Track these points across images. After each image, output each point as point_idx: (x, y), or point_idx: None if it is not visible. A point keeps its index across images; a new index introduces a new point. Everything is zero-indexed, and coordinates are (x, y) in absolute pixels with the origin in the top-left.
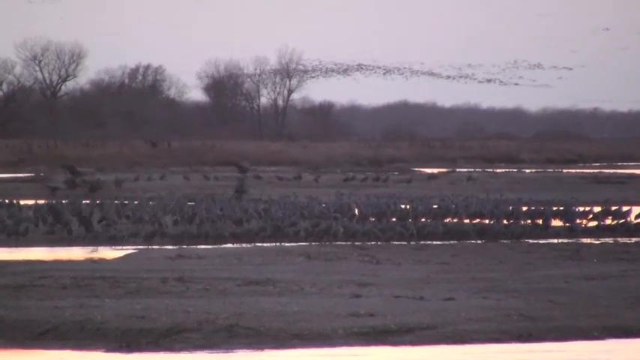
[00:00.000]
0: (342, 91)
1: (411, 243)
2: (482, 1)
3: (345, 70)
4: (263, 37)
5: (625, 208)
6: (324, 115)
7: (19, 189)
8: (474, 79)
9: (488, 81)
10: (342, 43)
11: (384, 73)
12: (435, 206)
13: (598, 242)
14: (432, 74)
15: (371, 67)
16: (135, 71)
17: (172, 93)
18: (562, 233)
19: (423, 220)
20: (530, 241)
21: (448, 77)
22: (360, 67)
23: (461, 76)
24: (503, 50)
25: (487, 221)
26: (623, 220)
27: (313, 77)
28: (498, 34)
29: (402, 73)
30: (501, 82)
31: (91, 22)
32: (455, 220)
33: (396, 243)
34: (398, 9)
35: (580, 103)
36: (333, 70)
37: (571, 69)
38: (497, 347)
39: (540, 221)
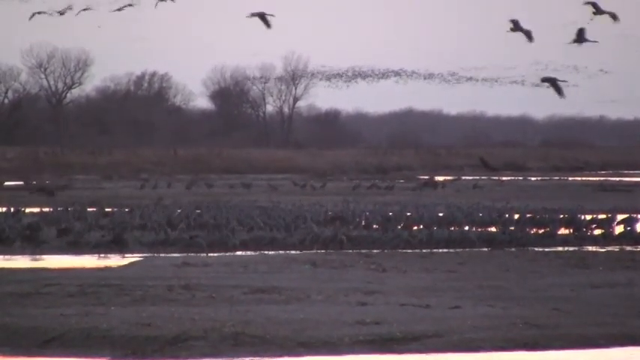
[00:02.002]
0: (349, 99)
1: (417, 251)
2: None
3: (351, 77)
4: (269, 44)
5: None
6: (330, 122)
7: (25, 197)
8: (498, 81)
9: (516, 83)
10: (348, 49)
11: (397, 79)
12: (441, 214)
13: (604, 250)
14: (453, 77)
15: (378, 73)
16: (141, 78)
17: (178, 100)
18: (568, 241)
19: (429, 228)
20: (536, 249)
21: (471, 80)
22: (366, 74)
23: (486, 79)
24: (528, 53)
25: (493, 229)
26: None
27: (320, 81)
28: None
29: (418, 78)
30: (533, 84)
31: (97, 30)
32: (461, 228)
33: (402, 251)
34: (409, 14)
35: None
36: (338, 77)
37: (607, 72)
38: (504, 355)
39: (547, 229)
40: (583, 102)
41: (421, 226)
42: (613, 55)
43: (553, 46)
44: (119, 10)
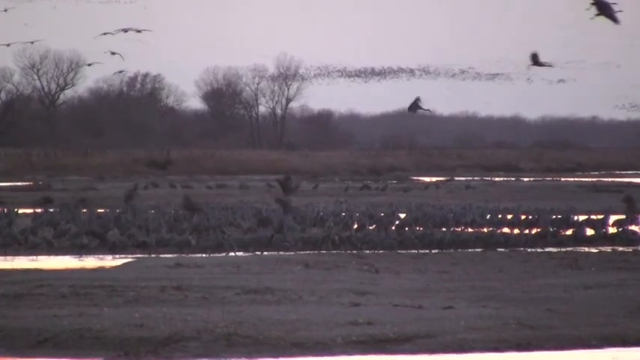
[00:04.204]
0: (341, 100)
1: (410, 251)
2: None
3: (344, 77)
4: (262, 45)
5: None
6: (322, 123)
7: (18, 197)
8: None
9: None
10: (341, 49)
11: (388, 79)
12: (433, 215)
13: (596, 251)
14: (446, 77)
15: (371, 73)
16: (133, 79)
17: (171, 101)
18: (561, 242)
19: (422, 228)
20: (529, 249)
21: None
22: (358, 74)
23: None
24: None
25: (486, 230)
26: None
27: (311, 81)
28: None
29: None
30: (546, 81)
31: (89, 31)
32: (454, 229)
33: (394, 252)
34: (401, 14)
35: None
36: (331, 77)
37: (619, 65)
38: (496, 356)
39: (539, 230)
40: (582, 103)
41: (415, 227)
42: (613, 52)
43: (550, 46)
44: (125, 31)
